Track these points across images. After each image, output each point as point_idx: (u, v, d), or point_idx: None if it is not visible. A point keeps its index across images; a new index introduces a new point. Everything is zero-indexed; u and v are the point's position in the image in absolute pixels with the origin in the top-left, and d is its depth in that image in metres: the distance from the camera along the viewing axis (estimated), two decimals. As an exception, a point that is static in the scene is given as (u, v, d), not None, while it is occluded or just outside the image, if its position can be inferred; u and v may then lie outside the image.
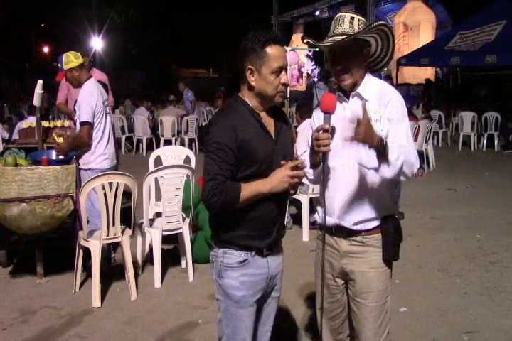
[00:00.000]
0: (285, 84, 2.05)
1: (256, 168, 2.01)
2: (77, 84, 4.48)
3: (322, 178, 2.16)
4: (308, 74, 9.81)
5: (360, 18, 2.17)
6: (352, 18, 2.16)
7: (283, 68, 2.03)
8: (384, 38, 2.21)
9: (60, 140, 4.66)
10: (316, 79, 10.10)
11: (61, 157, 4.41)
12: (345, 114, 2.23)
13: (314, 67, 9.72)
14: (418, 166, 2.17)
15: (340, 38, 2.13)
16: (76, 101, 4.46)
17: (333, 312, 2.39)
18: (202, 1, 25.80)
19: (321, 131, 2.03)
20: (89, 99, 4.27)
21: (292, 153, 2.19)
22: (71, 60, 4.39)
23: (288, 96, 9.28)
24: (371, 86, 2.22)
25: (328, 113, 2.07)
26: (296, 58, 9.52)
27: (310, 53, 10.02)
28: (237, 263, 2.07)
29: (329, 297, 2.37)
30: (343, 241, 2.27)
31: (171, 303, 3.87)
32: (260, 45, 1.99)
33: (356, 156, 2.17)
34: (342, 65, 2.18)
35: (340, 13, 2.21)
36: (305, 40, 2.31)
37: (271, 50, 1.99)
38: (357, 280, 2.26)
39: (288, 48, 9.31)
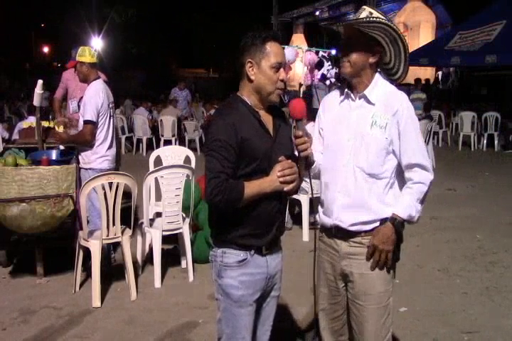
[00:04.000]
0: (283, 81, 2.06)
1: (256, 164, 2.02)
2: (84, 79, 4.49)
3: (310, 181, 2.16)
4: (324, 74, 9.77)
5: (380, 15, 2.15)
6: (371, 13, 2.15)
7: (282, 65, 2.05)
8: (394, 43, 2.17)
9: (61, 129, 4.64)
10: (333, 80, 10.05)
11: (61, 147, 4.40)
12: (350, 113, 2.23)
13: (330, 67, 9.69)
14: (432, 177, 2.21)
15: (346, 22, 2.17)
16: (81, 98, 4.47)
17: (335, 314, 2.38)
18: (202, 1, 25.80)
19: (297, 138, 2.04)
20: (95, 98, 4.27)
21: (291, 151, 2.19)
22: (85, 54, 4.38)
23: (301, 95, 9.28)
24: (379, 90, 2.21)
25: (299, 119, 2.07)
26: (314, 58, 9.49)
27: (325, 54, 9.98)
28: (236, 262, 2.07)
29: (331, 298, 2.36)
30: (343, 243, 2.26)
31: (171, 303, 3.87)
32: (261, 40, 2.03)
33: (356, 159, 2.18)
34: (344, 52, 2.20)
35: (364, 6, 2.21)
36: (322, 24, 2.33)
37: (271, 46, 2.03)
38: (356, 282, 2.24)
39: (304, 48, 9.31)
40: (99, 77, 4.47)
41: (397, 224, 2.17)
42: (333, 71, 9.96)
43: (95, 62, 4.45)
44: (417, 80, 13.16)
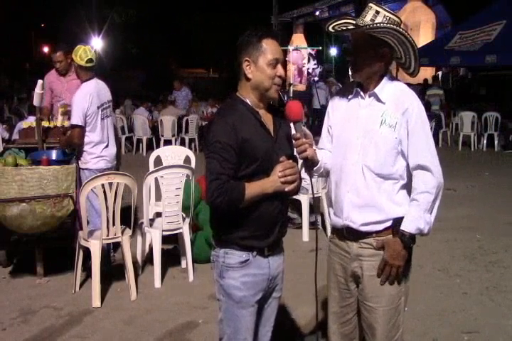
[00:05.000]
0: (281, 77, 2.05)
1: (256, 165, 2.01)
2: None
3: (311, 182, 2.13)
4: (308, 72, 9.84)
5: (388, 14, 2.10)
6: (377, 12, 2.10)
7: (279, 61, 2.04)
8: (402, 44, 2.12)
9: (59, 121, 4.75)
10: (316, 78, 10.13)
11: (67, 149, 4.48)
12: (359, 111, 2.20)
13: (316, 66, 9.75)
14: (441, 182, 2.16)
15: (350, 27, 2.12)
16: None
17: (345, 317, 2.33)
18: (202, 1, 25.80)
19: (295, 140, 2.04)
20: (81, 103, 4.26)
21: (292, 151, 2.18)
22: (76, 55, 4.34)
23: (291, 95, 9.30)
24: (389, 89, 2.16)
25: (297, 121, 2.06)
26: (300, 57, 9.54)
27: (313, 52, 10.05)
28: (238, 263, 2.06)
29: (341, 301, 2.32)
30: (354, 244, 2.22)
31: (171, 303, 3.87)
32: (257, 38, 2.03)
33: (364, 158, 2.15)
34: (351, 58, 2.18)
35: (370, 4, 2.14)
36: (329, 28, 2.23)
37: (267, 43, 2.03)
38: (367, 284, 2.20)
39: (291, 48, 9.36)
40: (92, 77, 4.42)
41: (406, 240, 2.12)
42: (318, 70, 10.01)
43: (85, 67, 4.37)
44: (434, 77, 13.29)
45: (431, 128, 9.45)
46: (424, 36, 15.56)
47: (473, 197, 7.29)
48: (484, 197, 7.26)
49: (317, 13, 19.03)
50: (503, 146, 11.98)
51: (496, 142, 11.86)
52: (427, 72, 15.79)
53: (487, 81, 16.43)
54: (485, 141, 11.99)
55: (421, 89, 14.65)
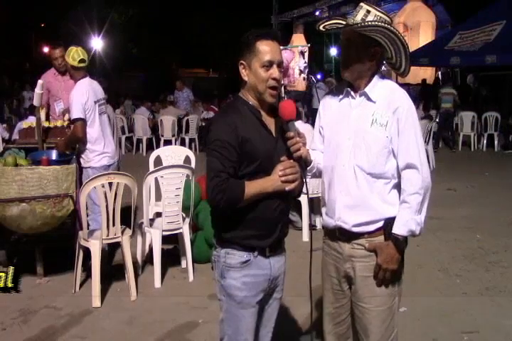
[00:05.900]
0: (276, 79, 2.04)
1: (257, 164, 2.01)
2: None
3: (305, 182, 2.12)
4: (300, 70, 9.88)
5: (378, 13, 2.09)
6: (368, 11, 2.10)
7: (274, 63, 2.02)
8: (393, 43, 2.12)
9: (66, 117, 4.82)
10: (305, 76, 10.15)
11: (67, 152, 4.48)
12: (350, 111, 2.20)
13: (306, 64, 9.80)
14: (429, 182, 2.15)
15: (341, 26, 2.13)
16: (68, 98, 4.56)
17: (339, 318, 2.33)
18: (202, 1, 25.80)
19: (288, 140, 2.04)
20: (80, 97, 4.32)
21: None
22: (69, 55, 4.41)
23: (283, 95, 9.31)
24: (380, 88, 2.16)
25: (290, 120, 2.06)
26: (290, 56, 9.55)
27: (304, 49, 10.09)
28: (239, 263, 2.06)
29: (335, 302, 2.32)
30: (346, 245, 2.22)
31: (171, 303, 3.87)
32: (252, 40, 2.02)
33: (356, 159, 2.15)
34: (343, 57, 2.18)
35: (361, 3, 2.14)
36: (320, 27, 2.23)
37: (261, 44, 2.01)
38: (359, 284, 2.20)
39: (281, 47, 9.44)
40: (85, 76, 4.49)
41: (400, 244, 2.13)
42: (306, 68, 10.07)
43: (77, 67, 4.44)
44: (446, 78, 13.42)
45: (430, 129, 9.50)
46: (424, 36, 15.51)
47: (473, 197, 7.29)
48: (484, 197, 7.25)
49: (317, 13, 19.00)
50: (503, 146, 11.99)
51: (496, 142, 11.86)
52: (426, 72, 15.76)
53: (487, 81, 16.42)
54: (485, 141, 12.00)
55: (421, 89, 14.67)
